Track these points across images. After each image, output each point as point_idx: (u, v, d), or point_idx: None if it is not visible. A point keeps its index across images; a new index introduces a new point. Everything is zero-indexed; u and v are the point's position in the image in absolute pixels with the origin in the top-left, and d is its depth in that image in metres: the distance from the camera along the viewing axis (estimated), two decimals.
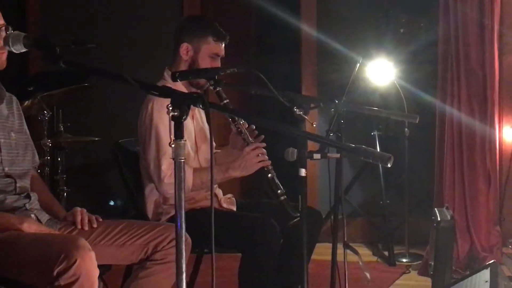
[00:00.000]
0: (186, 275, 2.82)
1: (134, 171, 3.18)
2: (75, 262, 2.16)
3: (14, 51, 2.01)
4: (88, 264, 2.19)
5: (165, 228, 2.67)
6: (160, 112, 2.99)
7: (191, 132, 3.11)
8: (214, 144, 3.25)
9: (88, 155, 4.54)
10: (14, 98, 2.77)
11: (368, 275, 2.77)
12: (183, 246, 1.87)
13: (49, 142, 3.61)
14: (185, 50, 3.09)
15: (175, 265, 1.86)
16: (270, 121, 1.94)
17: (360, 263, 2.72)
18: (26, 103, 3.42)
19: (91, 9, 5.35)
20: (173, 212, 3.03)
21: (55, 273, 2.17)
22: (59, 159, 3.79)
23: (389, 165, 1.81)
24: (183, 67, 3.08)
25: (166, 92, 1.87)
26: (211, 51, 3.09)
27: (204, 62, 3.07)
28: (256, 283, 2.97)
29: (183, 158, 1.85)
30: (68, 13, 5.34)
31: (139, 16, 5.32)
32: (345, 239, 2.71)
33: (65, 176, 3.81)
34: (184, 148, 1.86)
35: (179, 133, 1.84)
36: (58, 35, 2.33)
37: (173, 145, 1.85)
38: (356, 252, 2.70)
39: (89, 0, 5.40)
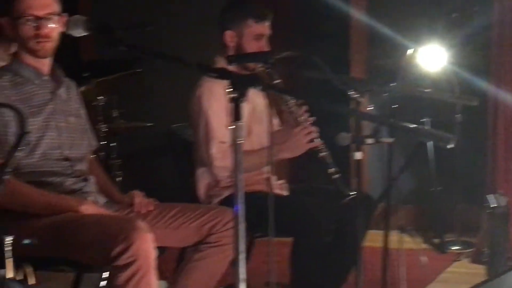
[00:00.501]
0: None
1: (187, 155, 3.22)
2: (133, 243, 2.20)
3: (75, 34, 2.05)
4: (146, 245, 2.23)
5: (219, 211, 2.71)
6: (210, 97, 3.02)
7: (244, 114, 3.13)
8: (276, 121, 3.27)
9: (142, 140, 4.61)
10: (73, 83, 2.83)
11: (424, 259, 2.75)
12: (242, 227, 1.89)
13: (104, 128, 3.68)
14: (229, 37, 3.09)
15: (234, 246, 1.88)
16: (328, 102, 1.93)
17: (416, 247, 2.70)
18: (82, 88, 3.48)
19: None
20: (224, 195, 3.07)
21: (114, 253, 2.22)
22: (113, 144, 3.86)
23: (451, 146, 1.80)
24: (231, 53, 3.09)
25: (224, 74, 1.89)
26: (254, 33, 3.07)
27: (250, 46, 3.06)
28: (307, 268, 2.97)
29: (242, 140, 1.87)
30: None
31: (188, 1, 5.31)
32: (400, 224, 2.70)
33: (119, 161, 3.88)
34: (242, 130, 1.87)
35: (237, 115, 1.84)
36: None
37: (231, 127, 1.86)
38: (411, 236, 2.68)
39: None
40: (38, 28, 2.51)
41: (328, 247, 3.05)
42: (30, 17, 2.49)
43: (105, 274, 3.09)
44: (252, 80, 1.86)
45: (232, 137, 1.86)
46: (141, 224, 2.28)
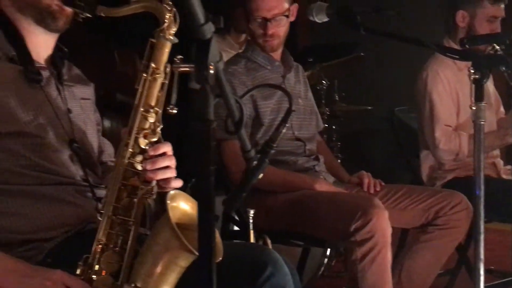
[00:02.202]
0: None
1: (409, 137, 3.24)
2: (371, 219, 2.28)
3: (317, 20, 2.14)
4: (383, 223, 2.30)
5: (447, 194, 2.70)
6: (434, 80, 3.02)
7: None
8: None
9: (361, 123, 4.68)
10: (300, 67, 2.96)
11: None
12: (482, 207, 1.88)
13: (326, 111, 3.80)
14: (461, 17, 3.05)
15: (475, 226, 1.88)
16: None
17: None
18: (306, 73, 3.61)
19: None
20: (448, 178, 3.06)
21: (352, 228, 2.31)
22: (333, 127, 3.97)
23: None
24: (461, 34, 3.05)
25: (466, 54, 1.88)
26: (488, 15, 3.01)
27: (482, 28, 3.01)
28: None
29: (483, 120, 1.86)
30: None
31: None
32: None
33: (339, 143, 3.98)
34: (484, 111, 1.86)
35: (479, 95, 1.84)
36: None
37: (473, 108, 1.85)
38: None
39: None
40: (264, 28, 2.65)
41: None
42: (258, 18, 2.64)
43: (328, 251, 3.26)
44: (495, 61, 1.83)
45: (474, 117, 1.86)
46: (378, 201, 2.34)
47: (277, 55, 2.79)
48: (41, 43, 1.77)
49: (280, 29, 2.67)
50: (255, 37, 2.70)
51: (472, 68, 1.82)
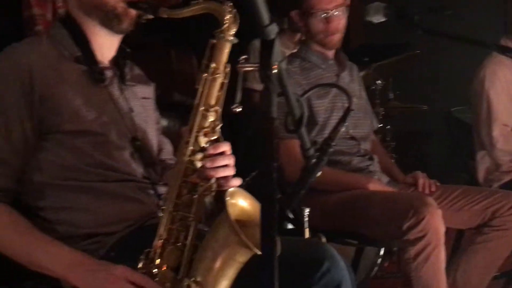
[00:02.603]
0: None
1: (466, 138, 3.21)
2: (424, 218, 2.28)
3: (375, 21, 2.15)
4: (436, 221, 2.29)
5: (503, 195, 2.67)
6: (492, 79, 2.99)
7: None
8: None
9: (416, 123, 4.64)
10: (355, 66, 2.97)
11: None
12: None
13: (381, 110, 3.77)
14: None
15: None
16: None
17: None
18: (361, 73, 3.59)
19: None
20: (505, 180, 3.03)
21: (404, 227, 2.31)
22: (388, 126, 3.93)
23: None
24: None
25: None
26: None
27: None
28: None
29: None
30: None
31: None
32: None
33: (394, 143, 3.95)
34: None
35: None
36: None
37: None
38: None
39: None
40: (327, 22, 2.65)
41: None
42: (319, 11, 2.64)
43: (382, 251, 3.24)
44: None
45: None
46: (431, 200, 2.34)
47: (331, 54, 2.80)
48: (106, 44, 1.82)
49: (341, 21, 2.67)
50: (315, 35, 2.70)
51: None
